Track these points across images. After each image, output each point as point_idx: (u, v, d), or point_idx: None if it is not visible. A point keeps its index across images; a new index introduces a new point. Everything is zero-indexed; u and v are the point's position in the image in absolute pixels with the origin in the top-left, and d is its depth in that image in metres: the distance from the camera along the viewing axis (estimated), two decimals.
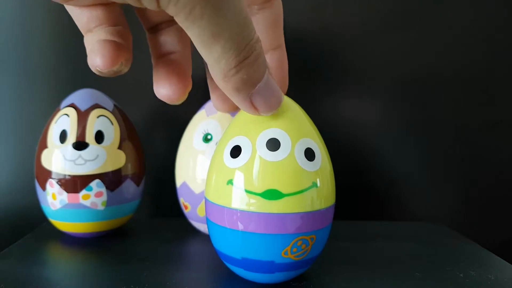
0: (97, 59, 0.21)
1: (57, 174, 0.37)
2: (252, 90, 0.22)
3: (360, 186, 0.52)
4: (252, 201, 0.26)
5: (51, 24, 0.49)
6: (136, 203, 0.41)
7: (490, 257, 0.37)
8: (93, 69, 0.22)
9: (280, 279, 0.29)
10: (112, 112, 0.39)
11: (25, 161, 0.50)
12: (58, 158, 0.37)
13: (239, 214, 0.27)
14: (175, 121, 0.49)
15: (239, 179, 0.27)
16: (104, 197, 0.38)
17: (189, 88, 0.25)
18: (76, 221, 0.38)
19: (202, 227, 0.40)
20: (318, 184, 0.27)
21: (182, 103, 0.25)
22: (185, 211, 0.40)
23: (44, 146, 0.38)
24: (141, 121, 0.49)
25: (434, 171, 0.52)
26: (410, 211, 0.53)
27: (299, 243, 0.27)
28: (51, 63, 0.50)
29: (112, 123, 0.39)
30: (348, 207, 0.48)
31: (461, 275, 0.32)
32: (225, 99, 0.28)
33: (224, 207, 0.27)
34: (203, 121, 0.39)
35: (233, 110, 0.29)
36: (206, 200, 0.30)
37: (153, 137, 0.51)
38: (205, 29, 0.19)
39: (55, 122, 0.38)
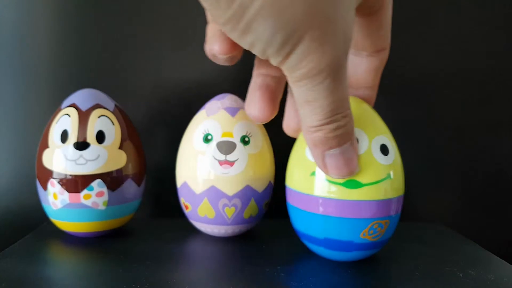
0: (216, 44, 0.24)
1: (58, 174, 0.37)
2: (326, 151, 0.26)
3: None
4: (334, 189, 0.30)
5: (51, 24, 0.49)
6: (137, 203, 0.42)
7: (490, 257, 0.37)
8: (208, 54, 0.25)
9: (357, 257, 0.33)
10: (113, 112, 0.39)
11: (27, 161, 0.50)
12: (59, 158, 0.37)
13: (321, 200, 0.30)
14: (175, 121, 0.49)
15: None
16: (105, 197, 0.38)
17: (276, 112, 0.28)
18: (77, 220, 0.38)
19: (202, 227, 0.40)
20: (392, 176, 0.31)
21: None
22: (186, 211, 0.40)
23: (45, 146, 0.38)
24: (142, 121, 0.49)
25: (434, 171, 0.53)
26: (410, 211, 0.53)
27: (375, 226, 0.30)
28: (52, 63, 0.50)
29: (113, 123, 0.39)
30: None
31: (461, 275, 0.32)
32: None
33: (307, 194, 0.31)
34: (204, 121, 0.39)
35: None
36: (289, 189, 0.33)
37: (154, 137, 0.51)
38: (307, 94, 0.22)
39: (56, 122, 0.38)
